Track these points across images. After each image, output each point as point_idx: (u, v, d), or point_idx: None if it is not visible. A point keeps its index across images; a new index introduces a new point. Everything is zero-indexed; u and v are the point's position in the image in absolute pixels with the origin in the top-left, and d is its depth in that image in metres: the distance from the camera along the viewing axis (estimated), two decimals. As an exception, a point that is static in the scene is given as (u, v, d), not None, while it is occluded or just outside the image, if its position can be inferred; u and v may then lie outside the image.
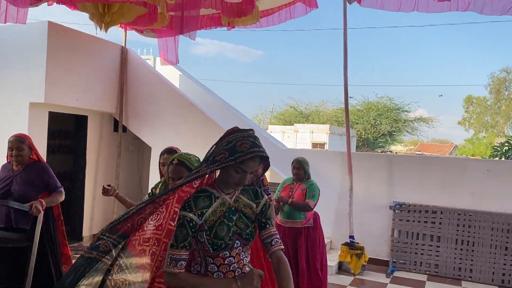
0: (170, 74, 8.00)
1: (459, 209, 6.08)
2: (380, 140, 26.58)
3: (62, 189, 3.84)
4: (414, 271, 6.24)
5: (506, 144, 7.44)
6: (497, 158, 7.67)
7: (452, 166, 6.37)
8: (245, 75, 71.07)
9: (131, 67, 7.15)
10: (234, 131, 1.98)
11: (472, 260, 5.99)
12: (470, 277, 5.96)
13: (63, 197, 3.83)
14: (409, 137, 32.30)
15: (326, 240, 6.74)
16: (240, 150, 1.87)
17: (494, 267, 5.87)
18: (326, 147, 20.97)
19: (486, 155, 34.41)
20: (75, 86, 6.30)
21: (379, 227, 6.53)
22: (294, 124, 23.64)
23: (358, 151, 23.17)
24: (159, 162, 3.54)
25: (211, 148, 2.02)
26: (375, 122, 25.81)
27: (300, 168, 4.59)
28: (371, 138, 26.20)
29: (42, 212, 3.55)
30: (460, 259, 6.04)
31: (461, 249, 6.04)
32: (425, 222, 6.24)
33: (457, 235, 6.07)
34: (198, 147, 6.63)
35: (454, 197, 6.18)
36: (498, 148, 7.61)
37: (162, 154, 3.47)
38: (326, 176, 6.84)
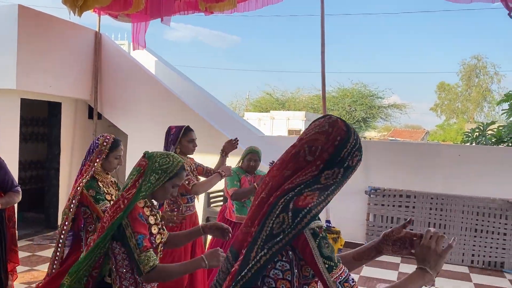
0: (145, 60, 7.88)
1: (431, 194, 6.26)
2: (355, 126, 26.93)
3: (19, 189, 3.44)
4: (388, 254, 6.39)
5: (477, 130, 7.68)
6: (468, 144, 7.91)
7: (426, 151, 6.54)
8: (220, 61, 70.55)
9: (106, 52, 7.01)
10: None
11: (444, 242, 6.17)
12: (442, 258, 6.16)
13: (19, 198, 3.42)
14: (382, 123, 32.84)
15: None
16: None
17: (464, 249, 6.09)
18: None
19: (457, 140, 35.35)
20: (48, 72, 6.14)
21: (355, 211, 6.67)
22: (270, 111, 23.68)
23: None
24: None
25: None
26: (350, 109, 26.10)
27: (258, 160, 4.21)
28: (346, 124, 26.49)
29: None
30: (432, 241, 6.22)
31: (433, 232, 6.23)
32: (399, 206, 6.40)
33: (430, 218, 6.26)
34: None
35: (427, 182, 6.36)
36: (469, 134, 7.85)
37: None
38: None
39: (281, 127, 21.47)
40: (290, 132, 20.99)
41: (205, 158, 4.92)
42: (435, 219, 6.23)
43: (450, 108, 41.68)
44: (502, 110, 7.59)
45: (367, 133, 31.05)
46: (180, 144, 3.46)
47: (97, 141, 2.97)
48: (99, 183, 2.90)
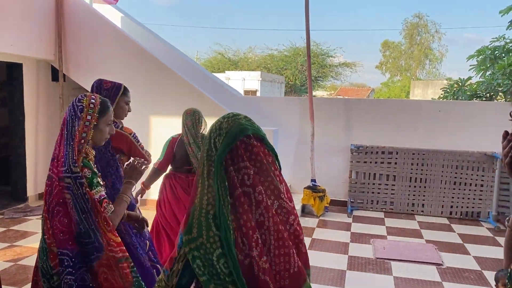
0: (110, 16, 7.26)
1: (413, 149, 6.40)
2: (307, 86, 27.13)
3: None
4: (371, 209, 6.57)
5: (455, 86, 7.91)
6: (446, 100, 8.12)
7: (406, 108, 6.63)
8: (164, 19, 67.59)
9: (69, 7, 6.35)
10: None
11: (424, 196, 6.42)
12: (422, 211, 6.42)
13: None
14: (332, 82, 33.32)
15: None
16: None
17: (443, 201, 6.35)
18: (258, 94, 20.95)
19: (400, 97, 36.78)
20: (6, 30, 5.48)
21: (338, 169, 6.72)
22: (226, 71, 23.17)
23: (286, 96, 23.50)
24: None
25: None
26: (303, 68, 26.11)
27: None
28: (299, 83, 26.61)
29: None
30: (414, 195, 6.44)
31: (414, 186, 6.44)
32: (382, 162, 6.52)
33: (411, 173, 6.44)
34: (155, 97, 6.24)
35: (408, 138, 6.49)
36: (448, 90, 8.07)
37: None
38: (286, 122, 6.82)
39: (237, 88, 21.14)
40: (246, 92, 20.76)
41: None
42: (416, 173, 6.41)
43: (394, 65, 42.99)
44: (470, 65, 7.83)
45: (315, 92, 31.40)
46: (116, 105, 2.68)
47: (79, 104, 2.06)
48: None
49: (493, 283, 4.07)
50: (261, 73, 21.95)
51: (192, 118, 3.69)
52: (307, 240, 5.10)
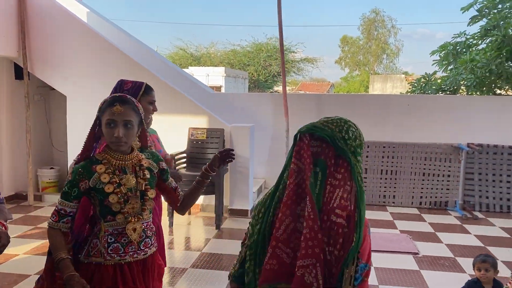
0: (76, 11, 7.00)
1: (383, 142, 6.59)
2: (270, 81, 27.24)
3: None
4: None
5: (423, 80, 8.19)
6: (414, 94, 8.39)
7: (377, 102, 6.81)
8: (117, 13, 65.88)
9: (31, 2, 6.07)
10: None
11: (395, 187, 6.63)
12: (393, 202, 6.63)
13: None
14: (294, 77, 33.67)
15: (260, 181, 6.88)
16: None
17: (413, 192, 6.58)
18: (223, 90, 20.87)
19: (359, 92, 37.70)
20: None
21: (312, 164, 6.81)
22: (189, 67, 22.89)
23: (249, 92, 23.55)
24: None
25: None
26: (266, 63, 26.22)
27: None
28: (262, 79, 26.71)
29: None
30: (385, 187, 6.64)
31: (386, 178, 6.63)
32: (354, 156, 6.65)
33: (382, 166, 6.63)
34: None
35: (380, 131, 6.67)
36: (415, 84, 8.34)
37: None
38: (260, 118, 6.84)
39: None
40: (211, 88, 20.65)
41: (161, 119, 4.63)
42: (387, 166, 6.61)
43: (353, 60, 43.96)
44: (434, 60, 8.14)
45: (276, 87, 31.67)
46: None
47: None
48: None
49: (466, 268, 4.30)
50: (225, 68, 21.84)
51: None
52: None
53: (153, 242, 1.98)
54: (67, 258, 1.76)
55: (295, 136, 1.38)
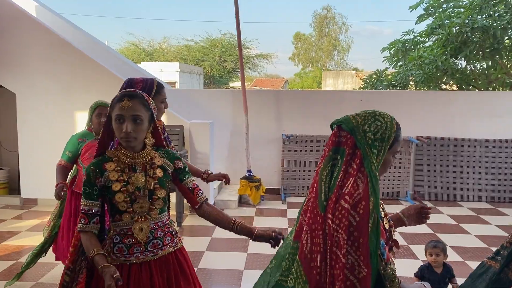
0: (24, 5, 6.70)
1: (339, 137, 6.79)
2: (226, 77, 27.23)
3: None
4: (303, 195, 6.88)
5: (374, 76, 8.50)
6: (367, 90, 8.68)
7: (332, 98, 7.02)
8: (66, 6, 63.36)
9: (-24, -6, 5.78)
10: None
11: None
12: (349, 194, 6.86)
13: None
14: (248, 73, 33.78)
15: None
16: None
17: (367, 183, 6.84)
18: (177, 85, 20.63)
19: (313, 87, 38.42)
20: None
21: (271, 159, 6.94)
22: (141, 62, 22.45)
23: (205, 88, 23.44)
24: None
25: None
26: (220, 59, 26.18)
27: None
28: (217, 75, 26.65)
29: None
30: (341, 180, 6.85)
31: (341, 171, 6.85)
32: (311, 150, 6.85)
33: (338, 159, 6.83)
34: (80, 90, 5.92)
35: (335, 126, 6.86)
36: (367, 80, 8.64)
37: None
38: (219, 114, 6.87)
39: (155, 80, 20.62)
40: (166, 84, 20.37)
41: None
42: (342, 159, 6.83)
43: (306, 57, 44.66)
44: (384, 57, 8.48)
45: (232, 83, 31.74)
46: None
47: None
48: None
49: (418, 254, 4.56)
50: (179, 64, 21.61)
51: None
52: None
53: (167, 242, 1.90)
54: (101, 253, 1.72)
55: (331, 126, 1.54)
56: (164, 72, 20.87)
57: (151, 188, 1.84)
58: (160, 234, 1.88)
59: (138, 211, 1.82)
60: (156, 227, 1.88)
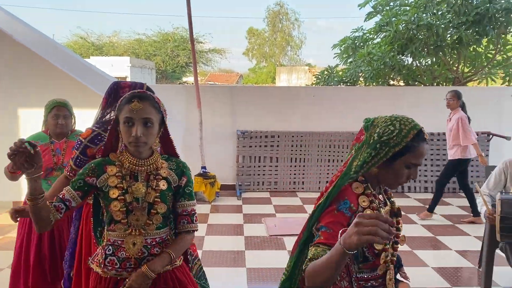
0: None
1: (292, 132, 6.90)
2: (178, 72, 26.86)
3: None
4: (258, 190, 6.94)
5: (326, 72, 8.66)
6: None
7: (285, 94, 7.10)
8: (8, -1, 60.04)
9: None
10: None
11: (303, 174, 6.99)
12: (303, 188, 6.99)
13: None
14: (202, 68, 33.50)
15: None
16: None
17: (320, 177, 6.99)
18: (128, 80, 20.19)
19: (267, 83, 38.70)
20: None
21: (226, 155, 6.93)
22: (90, 57, 21.69)
23: (158, 83, 23.01)
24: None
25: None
26: (173, 54, 25.78)
27: (69, 116, 3.04)
28: (170, 70, 26.23)
29: None
30: (295, 174, 6.97)
31: (295, 166, 6.97)
32: (265, 146, 6.90)
33: (291, 154, 6.94)
34: (24, 88, 5.64)
35: (288, 122, 6.96)
36: (319, 76, 8.79)
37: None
38: (173, 110, 6.76)
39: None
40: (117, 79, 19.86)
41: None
42: (296, 154, 6.94)
43: (260, 52, 44.87)
44: (335, 53, 8.68)
45: (185, 78, 31.38)
46: None
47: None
48: None
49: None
50: (130, 58, 21.09)
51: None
52: (202, 227, 5.21)
53: None
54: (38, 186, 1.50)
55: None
56: (115, 67, 20.30)
57: (151, 201, 1.68)
58: (157, 251, 1.71)
59: (133, 224, 1.67)
60: (153, 243, 1.71)
